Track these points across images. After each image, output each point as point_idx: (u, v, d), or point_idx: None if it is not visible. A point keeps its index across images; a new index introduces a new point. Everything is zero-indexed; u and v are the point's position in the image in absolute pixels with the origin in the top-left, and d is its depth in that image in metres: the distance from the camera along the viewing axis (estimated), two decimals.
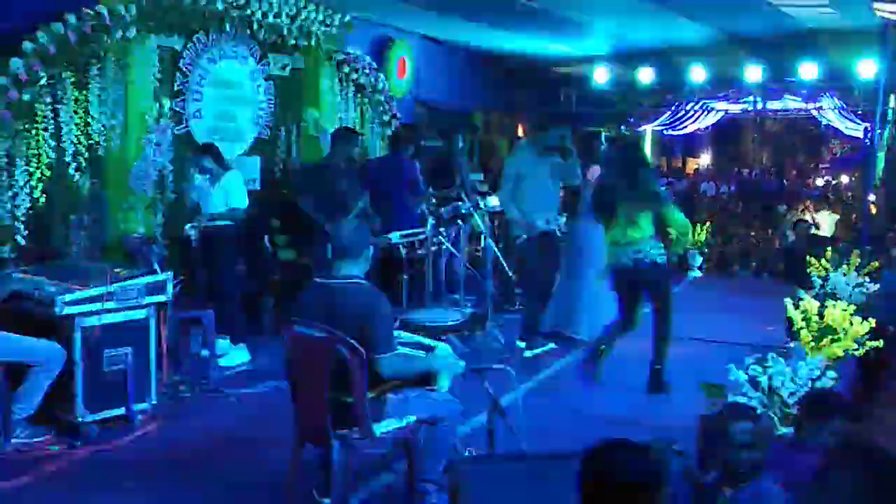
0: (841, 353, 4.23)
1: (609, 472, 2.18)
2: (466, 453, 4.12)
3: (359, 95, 8.91)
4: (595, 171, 7.13)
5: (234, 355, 6.33)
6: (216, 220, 6.22)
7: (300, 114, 8.32)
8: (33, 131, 5.79)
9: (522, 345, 6.74)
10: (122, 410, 4.88)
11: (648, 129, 15.07)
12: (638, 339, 6.08)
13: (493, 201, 8.14)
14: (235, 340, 6.38)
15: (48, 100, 5.86)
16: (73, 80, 6.01)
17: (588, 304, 7.25)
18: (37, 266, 5.20)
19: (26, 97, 5.61)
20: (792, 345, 4.49)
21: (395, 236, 6.47)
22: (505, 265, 6.99)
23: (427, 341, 4.17)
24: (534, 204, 6.64)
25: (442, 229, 7.11)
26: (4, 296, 4.72)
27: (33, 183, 5.80)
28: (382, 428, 3.73)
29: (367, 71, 8.86)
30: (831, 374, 3.81)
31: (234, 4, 7.13)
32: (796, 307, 4.55)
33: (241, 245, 6.51)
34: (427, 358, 3.97)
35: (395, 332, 3.93)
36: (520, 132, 13.31)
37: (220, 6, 6.98)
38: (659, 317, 5.85)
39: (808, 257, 6.44)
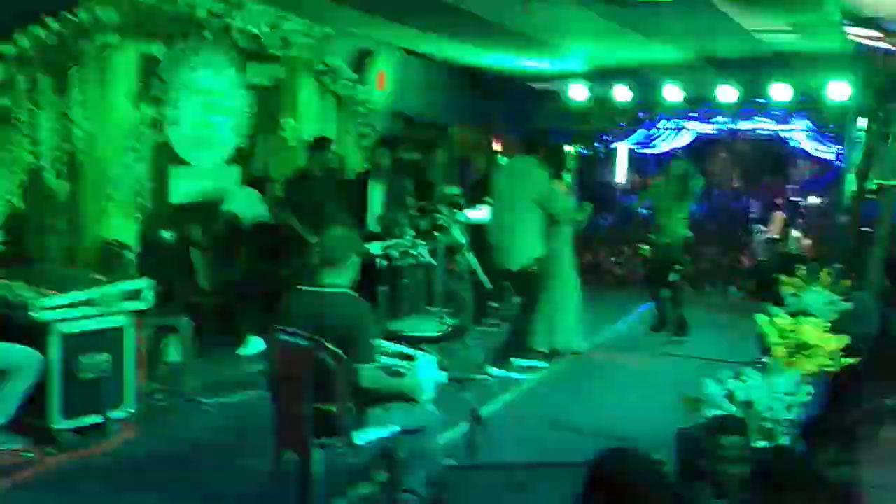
0: (815, 369, 4.30)
1: (618, 476, 2.18)
2: (447, 463, 4.13)
3: (338, 107, 8.92)
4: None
5: (250, 344, 6.67)
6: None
7: (279, 123, 8.31)
8: (12, 136, 5.73)
9: (495, 371, 6.54)
10: (98, 418, 4.84)
11: (622, 147, 15.22)
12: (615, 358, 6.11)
13: (471, 214, 8.17)
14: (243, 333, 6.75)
15: (27, 104, 5.80)
16: (52, 84, 5.96)
17: (555, 317, 7.33)
18: (13, 271, 5.14)
19: (6, 102, 5.57)
20: (765, 360, 4.55)
21: (374, 247, 6.46)
22: (483, 277, 7.00)
23: (408, 350, 4.18)
24: None
25: (420, 241, 7.11)
26: None
27: (12, 188, 5.74)
28: (363, 437, 3.73)
29: (346, 82, 8.87)
30: (807, 388, 3.87)
31: (214, 13, 7.12)
32: (770, 323, 4.61)
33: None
34: (409, 369, 3.98)
35: (378, 342, 3.95)
36: (496, 147, 13.36)
37: (200, 14, 6.97)
38: (678, 291, 8.16)
39: (779, 275, 6.53)
